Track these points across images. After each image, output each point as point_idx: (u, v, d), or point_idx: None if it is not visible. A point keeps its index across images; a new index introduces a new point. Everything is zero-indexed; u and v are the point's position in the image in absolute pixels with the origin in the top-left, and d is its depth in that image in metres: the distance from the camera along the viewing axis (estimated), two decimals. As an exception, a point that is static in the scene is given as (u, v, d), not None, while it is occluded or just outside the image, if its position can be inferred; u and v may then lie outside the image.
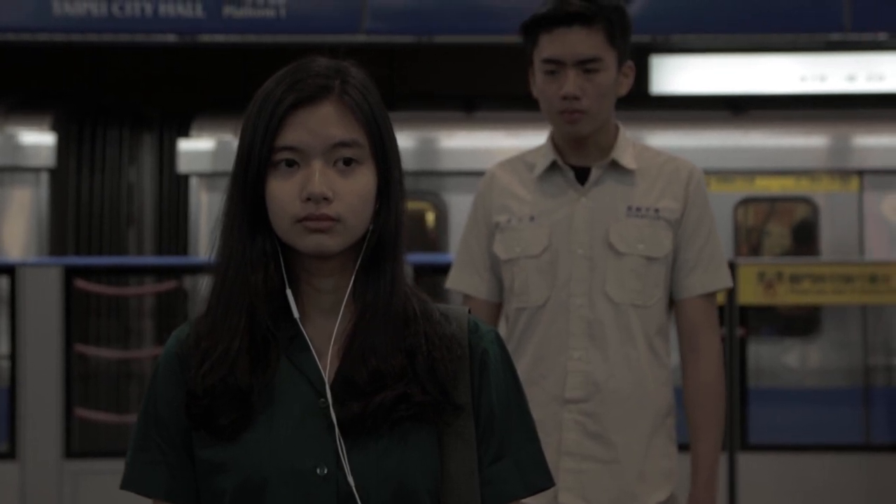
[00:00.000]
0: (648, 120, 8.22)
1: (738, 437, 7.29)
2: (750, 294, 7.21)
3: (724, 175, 8.02)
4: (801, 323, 8.07)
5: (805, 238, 8.22)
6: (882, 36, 8.29)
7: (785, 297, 7.26)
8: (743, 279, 7.15)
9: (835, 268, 7.30)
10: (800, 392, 7.88)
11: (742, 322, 7.34)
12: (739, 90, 9.29)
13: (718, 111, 8.65)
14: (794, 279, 7.17)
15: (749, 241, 8.27)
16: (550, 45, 3.05)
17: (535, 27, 3.09)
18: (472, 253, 3.22)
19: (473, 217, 3.23)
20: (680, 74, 9.59)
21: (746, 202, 8.16)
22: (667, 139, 8.00)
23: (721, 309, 7.68)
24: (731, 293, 7.37)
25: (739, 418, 7.35)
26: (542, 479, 1.81)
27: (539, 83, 3.11)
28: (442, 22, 8.27)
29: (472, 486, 1.75)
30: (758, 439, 7.12)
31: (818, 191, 8.08)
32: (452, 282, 3.26)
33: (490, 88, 9.68)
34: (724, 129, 8.36)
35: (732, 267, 7.42)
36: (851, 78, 9.29)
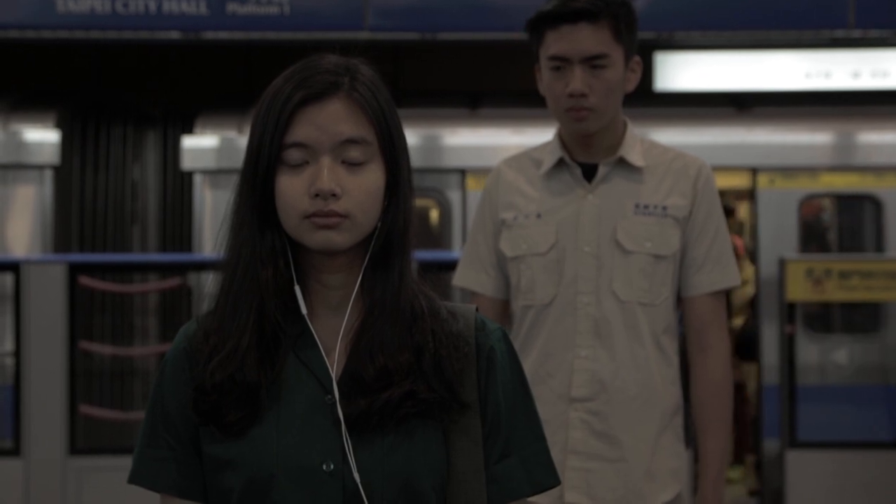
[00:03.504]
0: (652, 117, 8.21)
1: (787, 435, 7.28)
2: (798, 291, 7.18)
3: (789, 172, 7.92)
4: (851, 320, 7.98)
5: (868, 235, 8.12)
6: (886, 32, 8.28)
7: (833, 293, 7.24)
8: (791, 276, 7.12)
9: (884, 264, 7.28)
10: (849, 389, 7.80)
11: (791, 319, 7.31)
12: (742, 87, 9.28)
13: (724, 107, 8.64)
14: (843, 276, 7.14)
15: (813, 238, 8.16)
16: (557, 43, 3.02)
17: (541, 24, 3.06)
18: (478, 250, 3.19)
19: (480, 214, 3.20)
20: (684, 71, 9.59)
21: (811, 199, 8.04)
22: (669, 136, 7.99)
23: (767, 305, 7.67)
24: (780, 290, 7.34)
25: (788, 416, 7.34)
26: (548, 478, 1.81)
27: (546, 80, 3.08)
28: (446, 19, 8.27)
29: (478, 484, 1.75)
30: (807, 437, 7.12)
31: (883, 187, 7.98)
32: (459, 279, 3.24)
33: (495, 85, 9.68)
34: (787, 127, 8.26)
35: (781, 264, 7.41)
36: (856, 74, 9.28)
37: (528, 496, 1.80)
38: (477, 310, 1.83)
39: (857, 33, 8.26)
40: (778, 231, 7.88)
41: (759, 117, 8.35)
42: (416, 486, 1.72)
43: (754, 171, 8.00)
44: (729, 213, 7.76)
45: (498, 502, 1.77)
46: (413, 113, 7.95)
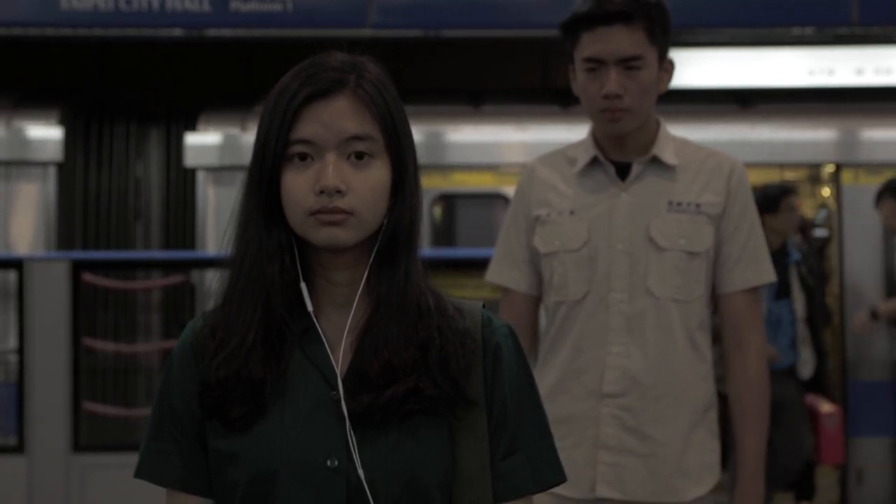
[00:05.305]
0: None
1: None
2: None
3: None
4: None
5: None
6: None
7: None
8: None
9: None
10: None
11: None
12: (745, 84, 9.27)
13: (729, 104, 8.63)
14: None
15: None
16: (592, 44, 3.03)
17: (576, 26, 3.07)
18: (511, 246, 3.21)
19: (513, 211, 3.22)
20: (686, 68, 9.57)
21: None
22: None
23: (856, 300, 7.63)
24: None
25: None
26: (554, 475, 1.81)
27: (580, 81, 3.09)
28: (448, 16, 8.26)
29: (483, 481, 1.75)
30: None
31: None
32: (492, 275, 3.26)
33: (497, 82, 9.67)
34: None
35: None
36: (859, 71, 9.27)
37: (534, 493, 1.80)
38: (484, 306, 1.83)
39: (860, 30, 8.25)
40: (862, 227, 7.85)
41: (842, 113, 8.30)
42: (420, 483, 1.72)
43: (838, 167, 7.98)
44: (787, 193, 7.41)
45: (503, 499, 1.77)
46: (415, 110, 7.93)
